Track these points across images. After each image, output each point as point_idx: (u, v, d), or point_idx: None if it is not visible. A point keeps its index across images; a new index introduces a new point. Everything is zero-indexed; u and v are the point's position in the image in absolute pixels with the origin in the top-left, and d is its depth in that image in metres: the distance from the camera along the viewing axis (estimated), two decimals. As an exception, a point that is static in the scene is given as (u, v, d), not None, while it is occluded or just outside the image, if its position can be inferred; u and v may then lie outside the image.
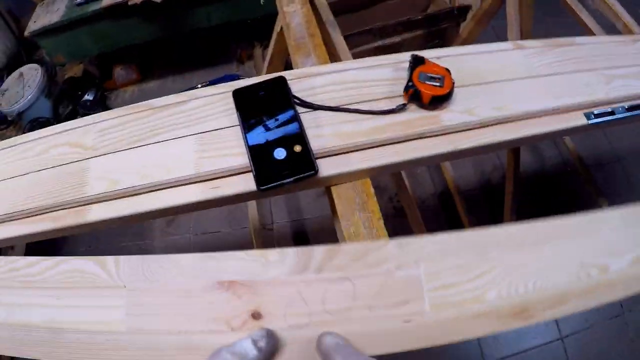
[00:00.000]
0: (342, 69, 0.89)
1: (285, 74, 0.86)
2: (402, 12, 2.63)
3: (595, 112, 0.90)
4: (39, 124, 2.92)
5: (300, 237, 2.51)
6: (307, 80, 0.87)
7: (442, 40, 2.66)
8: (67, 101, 3.08)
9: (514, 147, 1.74)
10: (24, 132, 2.90)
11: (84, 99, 3.03)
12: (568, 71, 0.95)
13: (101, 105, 3.06)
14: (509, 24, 1.67)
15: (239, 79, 3.00)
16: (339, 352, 0.50)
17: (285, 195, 2.62)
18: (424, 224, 1.78)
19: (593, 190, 2.20)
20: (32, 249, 2.20)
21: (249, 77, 2.79)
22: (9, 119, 2.98)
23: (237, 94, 0.83)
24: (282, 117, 0.78)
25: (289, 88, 0.83)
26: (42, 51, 3.42)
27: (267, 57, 1.55)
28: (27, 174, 0.81)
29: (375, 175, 0.81)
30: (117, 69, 3.20)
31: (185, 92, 0.87)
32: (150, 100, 0.87)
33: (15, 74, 3.03)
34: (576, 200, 2.58)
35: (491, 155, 2.73)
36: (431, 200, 2.59)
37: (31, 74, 2.99)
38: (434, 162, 0.88)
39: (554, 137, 0.94)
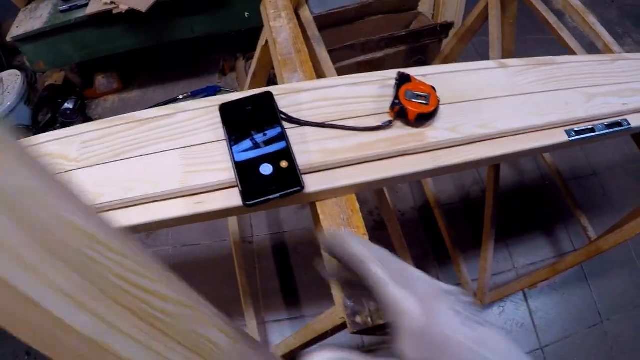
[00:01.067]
0: (329, 85, 0.90)
1: (272, 89, 0.86)
2: (386, 28, 2.65)
3: (576, 129, 0.92)
4: (18, 131, 2.88)
5: (280, 250, 2.51)
6: (294, 95, 0.87)
7: (425, 56, 2.68)
8: (46, 109, 3.04)
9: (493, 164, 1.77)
10: (2, 140, 2.87)
11: (64, 107, 3.00)
12: (550, 90, 0.97)
13: (81, 114, 3.03)
14: (491, 42, 1.69)
15: (220, 90, 3.00)
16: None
17: (266, 208, 2.63)
18: (404, 237, 1.79)
19: (571, 203, 2.23)
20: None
21: (231, 88, 2.79)
22: (-13, 125, 2.94)
23: (224, 109, 0.83)
24: (269, 133, 0.78)
25: (276, 103, 0.83)
26: (22, 57, 3.38)
27: (251, 71, 1.55)
28: (11, 184, 0.80)
29: (361, 191, 0.81)
30: (98, 78, 3.17)
31: (171, 104, 0.87)
32: (135, 113, 0.86)
33: (-5, 79, 3.00)
34: (554, 213, 2.62)
35: (471, 171, 2.76)
36: (411, 214, 2.60)
37: (11, 80, 2.96)
38: (418, 178, 0.89)
39: (536, 153, 0.95)
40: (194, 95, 3.11)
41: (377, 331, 0.73)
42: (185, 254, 2.50)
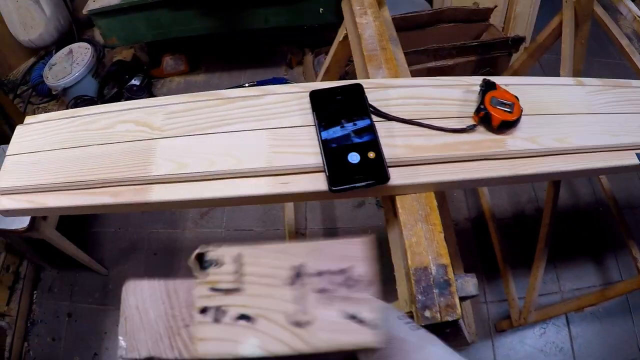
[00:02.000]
0: (416, 85, 0.91)
1: (361, 82, 0.88)
2: (456, 37, 2.66)
3: (646, 153, 0.92)
4: (83, 101, 2.96)
5: (332, 246, 2.47)
6: (382, 91, 0.89)
7: (493, 68, 2.68)
8: (113, 83, 3.12)
9: (558, 180, 1.76)
10: (67, 108, 2.94)
11: (130, 83, 3.08)
12: (624, 112, 0.97)
13: (147, 91, 3.09)
14: (563, 60, 1.68)
15: (287, 82, 3.03)
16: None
17: (321, 202, 2.64)
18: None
19: (624, 232, 2.18)
20: (63, 223, 2.23)
21: (297, 82, 2.81)
22: (54, 92, 3.03)
23: (314, 95, 0.85)
24: (358, 123, 0.80)
25: (365, 96, 0.85)
26: (92, 31, 3.47)
27: (325, 65, 1.57)
28: (90, 146, 0.83)
29: (441, 189, 0.82)
30: (166, 58, 3.24)
31: (259, 87, 0.90)
32: (222, 90, 0.89)
33: (65, 50, 3.09)
34: (606, 240, 2.58)
35: (527, 187, 2.74)
36: (464, 224, 2.60)
37: (80, 52, 3.05)
38: (495, 184, 0.90)
39: (607, 173, 0.96)
40: (260, 84, 3.11)
41: (443, 328, 0.74)
42: (237, 238, 2.54)
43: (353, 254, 0.36)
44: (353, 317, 0.33)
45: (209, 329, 0.31)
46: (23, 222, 1.90)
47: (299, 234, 2.51)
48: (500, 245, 2.24)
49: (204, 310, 0.31)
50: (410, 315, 0.75)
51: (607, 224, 2.61)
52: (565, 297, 2.39)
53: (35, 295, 2.45)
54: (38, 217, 1.94)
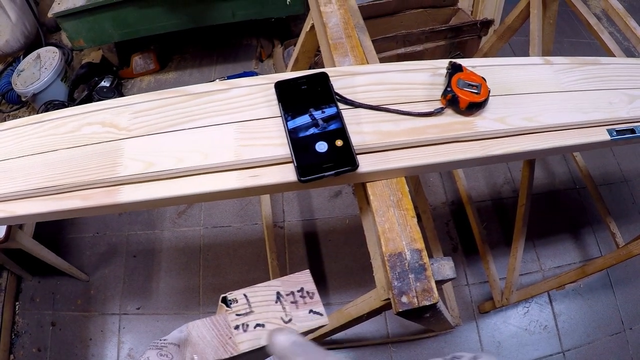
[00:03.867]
0: (382, 71, 0.91)
1: (326, 71, 0.87)
2: (425, 23, 2.67)
3: (617, 129, 0.93)
4: (53, 106, 2.92)
5: (311, 237, 2.53)
6: (348, 78, 0.89)
7: (463, 52, 2.69)
8: (83, 86, 3.09)
9: (532, 159, 1.77)
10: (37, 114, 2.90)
11: (100, 85, 3.04)
12: (593, 89, 0.98)
13: (117, 92, 3.06)
14: (532, 41, 1.68)
15: (257, 76, 3.01)
16: (298, 351, 0.49)
17: (297, 194, 2.64)
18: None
19: (601, 208, 2.21)
20: (40, 231, 2.21)
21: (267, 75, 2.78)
22: (23, 99, 3.00)
23: (280, 86, 0.84)
24: (325, 112, 0.80)
25: (331, 84, 0.84)
26: (59, 34, 3.42)
27: (293, 56, 1.56)
28: (57, 150, 0.81)
29: (412, 174, 0.82)
30: (135, 58, 3.21)
31: (225, 81, 0.89)
32: (188, 86, 0.88)
33: (33, 55, 3.04)
34: (583, 217, 2.61)
35: (503, 169, 2.76)
36: (442, 209, 2.61)
37: (48, 57, 3.00)
38: (466, 166, 0.90)
39: (578, 150, 0.96)
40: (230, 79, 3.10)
41: (421, 313, 0.74)
42: (216, 235, 2.53)
43: (303, 279, 0.60)
44: (312, 312, 0.57)
45: (242, 336, 0.53)
46: (-1, 233, 1.87)
47: (277, 227, 2.51)
48: (478, 228, 2.26)
49: (237, 327, 0.54)
50: (389, 301, 0.75)
51: (584, 201, 2.65)
52: (546, 275, 2.42)
53: (17, 307, 2.42)
54: (14, 227, 1.91)
